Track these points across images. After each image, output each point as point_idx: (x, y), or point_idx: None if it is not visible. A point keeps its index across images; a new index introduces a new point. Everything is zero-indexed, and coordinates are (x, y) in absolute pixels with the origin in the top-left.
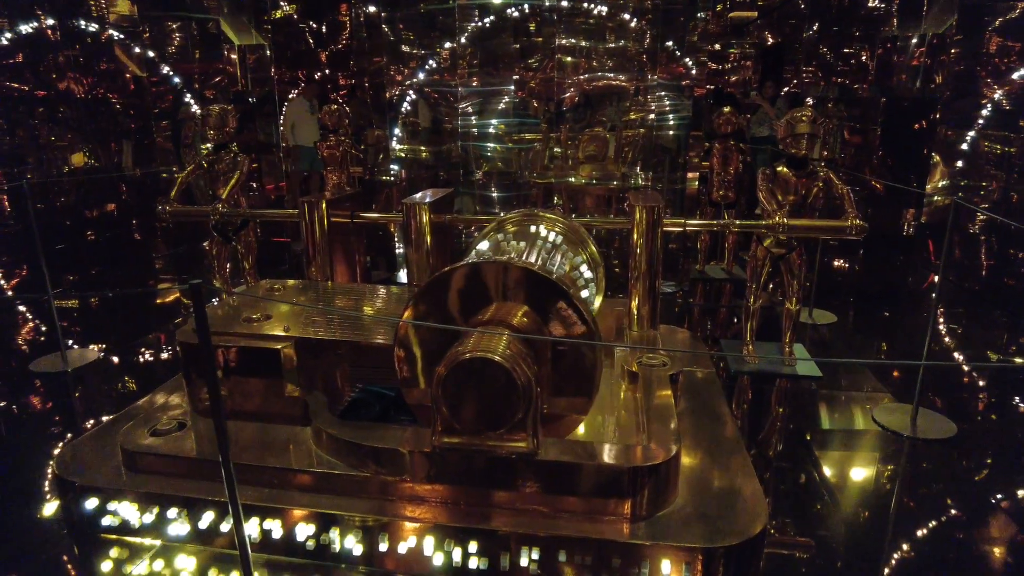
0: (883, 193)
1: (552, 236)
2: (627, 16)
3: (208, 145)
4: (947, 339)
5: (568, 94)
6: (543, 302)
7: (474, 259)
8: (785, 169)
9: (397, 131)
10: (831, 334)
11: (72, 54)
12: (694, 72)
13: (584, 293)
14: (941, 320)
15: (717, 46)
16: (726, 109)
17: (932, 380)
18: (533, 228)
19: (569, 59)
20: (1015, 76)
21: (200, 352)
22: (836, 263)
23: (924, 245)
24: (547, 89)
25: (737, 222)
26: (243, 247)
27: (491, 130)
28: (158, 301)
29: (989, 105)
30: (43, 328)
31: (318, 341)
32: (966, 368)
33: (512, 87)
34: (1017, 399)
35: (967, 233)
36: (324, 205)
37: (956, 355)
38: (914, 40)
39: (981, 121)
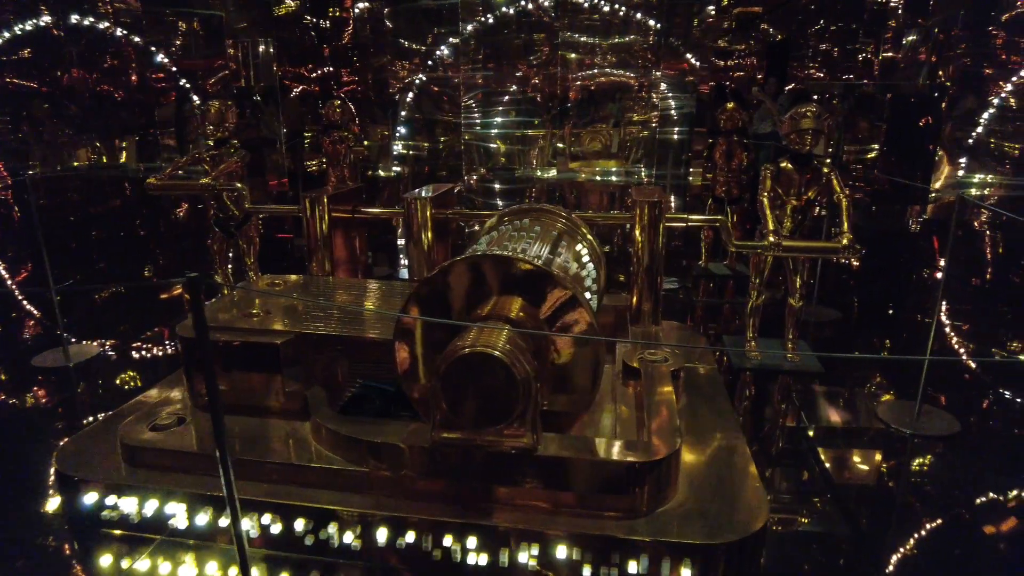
0: (887, 189)
1: (553, 231)
2: (631, 11)
3: (210, 141)
4: (951, 335)
5: (571, 90)
6: (544, 297)
7: (474, 253)
8: (789, 165)
9: (400, 127)
10: (834, 330)
11: (76, 50)
12: (698, 68)
13: (585, 288)
14: (945, 316)
15: (721, 42)
16: (729, 105)
17: (936, 377)
18: (534, 223)
19: (573, 55)
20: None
21: (198, 346)
22: (839, 259)
23: (928, 241)
24: (550, 84)
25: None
26: (244, 242)
27: (493, 126)
28: (160, 296)
29: (995, 100)
30: (45, 323)
31: (318, 336)
32: (970, 364)
33: (515, 83)
34: (1021, 396)
35: (972, 229)
36: (326, 200)
37: (960, 351)
38: (915, 36)
39: (986, 116)
